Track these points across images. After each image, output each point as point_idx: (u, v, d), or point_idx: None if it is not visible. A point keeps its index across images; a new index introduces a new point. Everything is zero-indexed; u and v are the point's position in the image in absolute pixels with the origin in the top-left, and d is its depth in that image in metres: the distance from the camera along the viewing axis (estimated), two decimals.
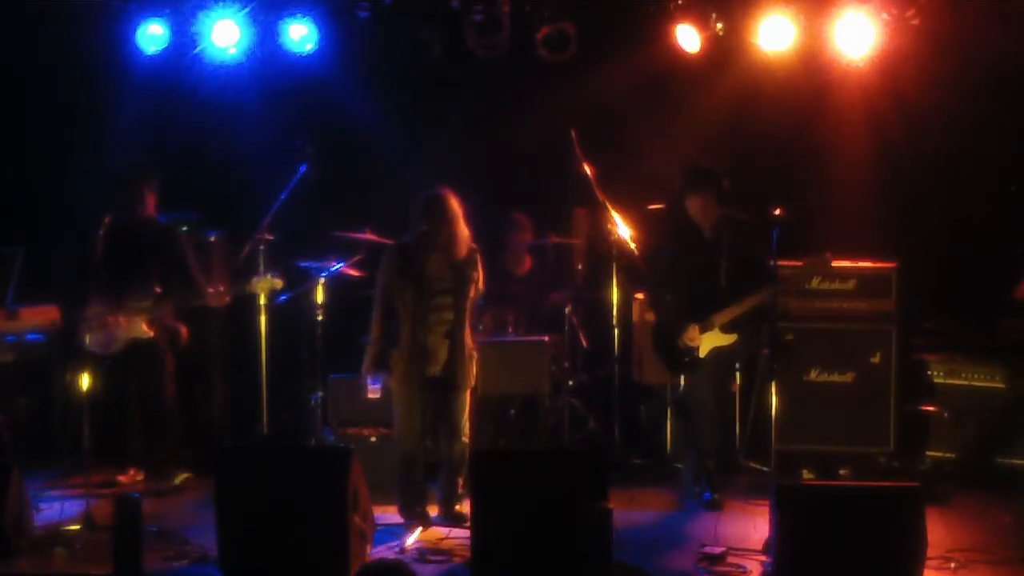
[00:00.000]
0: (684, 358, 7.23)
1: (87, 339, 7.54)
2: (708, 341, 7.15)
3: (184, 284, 7.55)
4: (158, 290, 7.51)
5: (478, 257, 6.86)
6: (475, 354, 6.92)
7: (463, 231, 6.76)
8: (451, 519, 6.78)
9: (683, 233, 7.30)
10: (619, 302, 8.05)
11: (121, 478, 7.66)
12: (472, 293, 6.83)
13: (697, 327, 7.13)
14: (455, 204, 6.72)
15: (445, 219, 6.67)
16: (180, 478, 7.58)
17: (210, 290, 7.50)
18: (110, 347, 7.53)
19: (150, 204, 7.70)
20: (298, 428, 8.21)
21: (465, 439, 6.87)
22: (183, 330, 7.76)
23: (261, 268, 7.76)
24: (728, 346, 7.16)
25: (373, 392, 6.85)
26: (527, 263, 8.63)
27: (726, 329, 7.12)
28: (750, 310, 7.04)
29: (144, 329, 7.51)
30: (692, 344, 7.16)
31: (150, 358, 7.61)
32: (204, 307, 7.65)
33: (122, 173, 7.75)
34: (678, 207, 7.35)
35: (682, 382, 7.48)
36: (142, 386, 7.68)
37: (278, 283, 7.59)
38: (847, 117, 8.39)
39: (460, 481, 6.87)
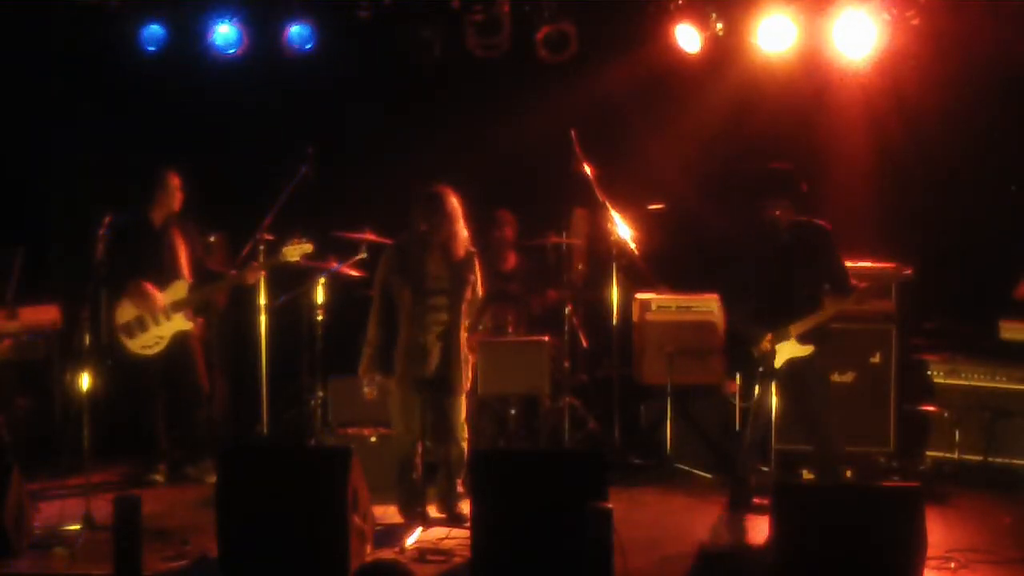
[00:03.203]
0: (758, 367, 6.96)
1: (127, 343, 7.64)
2: (784, 351, 6.92)
3: (209, 274, 7.82)
4: (190, 281, 7.72)
5: (476, 260, 6.86)
6: (471, 357, 6.92)
7: (462, 231, 6.75)
8: (451, 519, 6.78)
9: (758, 238, 7.03)
10: (619, 302, 8.05)
11: (156, 477, 7.75)
12: (469, 296, 6.83)
13: (771, 336, 6.91)
14: (455, 202, 6.72)
15: (444, 217, 6.66)
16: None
17: (233, 272, 7.74)
18: (155, 347, 7.66)
19: (179, 200, 7.80)
20: (298, 428, 8.21)
21: (463, 442, 6.87)
22: (200, 321, 7.97)
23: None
24: (804, 357, 6.91)
25: (370, 391, 6.85)
26: (512, 260, 8.62)
27: (803, 339, 6.89)
28: (828, 320, 6.85)
29: (185, 322, 7.68)
30: (767, 353, 6.92)
31: (191, 353, 7.79)
32: (241, 287, 7.89)
33: (152, 170, 7.80)
34: (752, 209, 7.07)
35: (756, 392, 7.06)
36: (181, 381, 7.79)
37: (308, 246, 7.62)
38: (847, 117, 8.39)
39: (459, 482, 6.87)
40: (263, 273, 7.78)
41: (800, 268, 6.88)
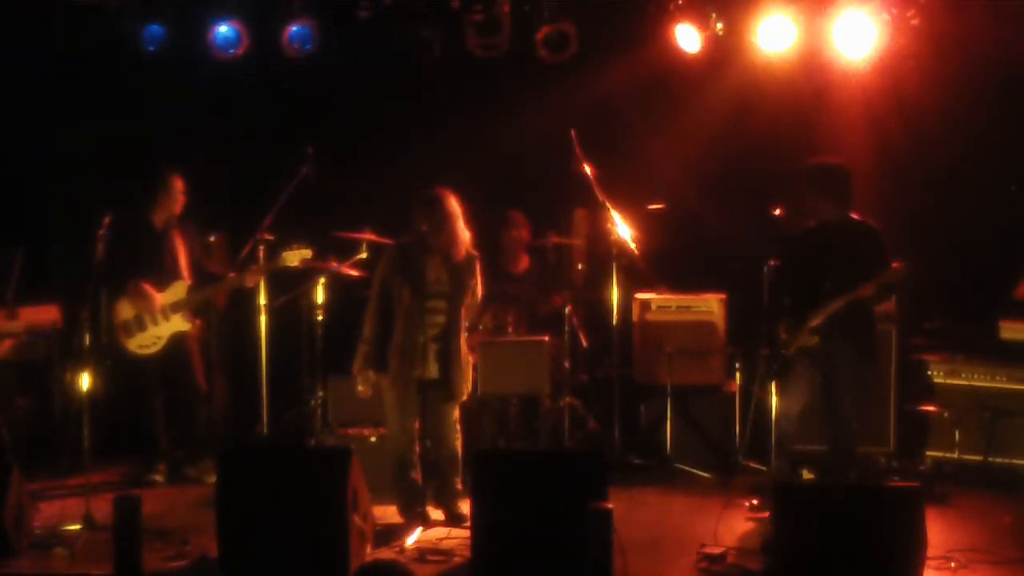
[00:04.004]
0: (776, 358, 6.88)
1: (126, 343, 7.67)
2: (797, 340, 6.81)
3: (208, 276, 7.85)
4: (190, 283, 7.76)
5: (477, 264, 6.86)
6: (471, 360, 6.92)
7: (463, 233, 6.75)
8: (450, 519, 6.78)
9: (802, 235, 6.94)
10: (619, 302, 8.05)
11: (156, 477, 7.77)
12: (468, 300, 6.83)
13: (785, 324, 6.84)
14: (455, 205, 6.72)
15: (445, 220, 6.67)
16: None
17: (232, 275, 7.73)
18: (153, 347, 7.68)
19: (182, 203, 7.81)
20: (298, 428, 8.22)
21: (454, 443, 6.88)
22: (198, 322, 7.98)
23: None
24: (811, 347, 6.79)
25: (364, 390, 6.84)
26: (524, 262, 8.62)
27: (813, 331, 6.75)
28: (839, 311, 6.65)
29: (183, 323, 7.71)
30: (781, 339, 6.85)
31: (189, 353, 7.82)
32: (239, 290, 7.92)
33: (153, 169, 7.82)
34: (798, 207, 6.96)
35: (774, 389, 6.96)
36: (179, 382, 7.81)
37: (307, 252, 7.65)
38: (847, 117, 8.39)
39: (456, 480, 6.87)
40: (262, 277, 7.79)
41: (837, 266, 6.71)
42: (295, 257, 7.62)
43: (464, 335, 6.85)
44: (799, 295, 6.88)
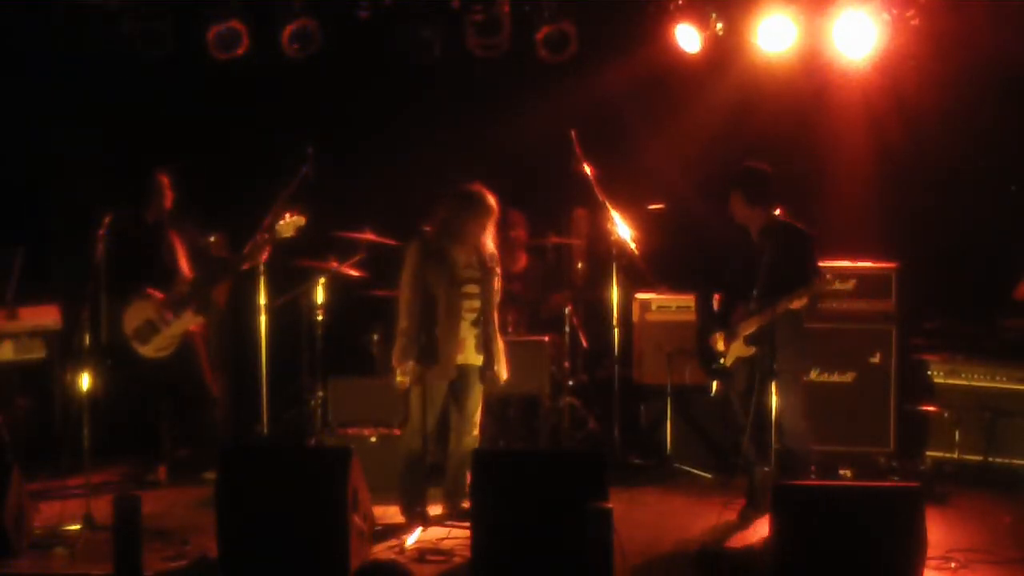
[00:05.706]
0: (713, 363, 6.95)
1: (139, 348, 7.68)
2: (733, 351, 6.83)
3: (214, 262, 7.84)
4: (191, 277, 7.74)
5: (498, 257, 6.88)
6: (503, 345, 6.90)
7: (491, 230, 6.78)
8: (459, 515, 6.73)
9: (738, 235, 6.92)
10: (619, 302, 8.05)
11: (156, 477, 7.79)
12: (497, 286, 6.83)
13: (722, 334, 6.87)
14: (492, 203, 6.72)
15: (481, 215, 6.68)
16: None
17: (246, 251, 7.65)
18: (170, 348, 7.69)
19: (170, 199, 7.83)
20: (298, 428, 8.22)
21: (476, 433, 6.87)
22: (201, 320, 7.93)
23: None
24: (749, 358, 6.76)
25: (403, 381, 6.78)
26: (522, 261, 8.63)
27: (748, 340, 6.72)
28: (772, 320, 6.52)
29: (194, 318, 7.71)
30: (717, 350, 6.90)
31: (195, 354, 7.81)
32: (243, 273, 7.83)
33: (151, 170, 7.83)
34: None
35: (713, 388, 7.06)
36: (186, 380, 7.81)
37: (301, 219, 7.57)
38: (847, 117, 8.40)
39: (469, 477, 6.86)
40: (268, 249, 7.64)
41: (766, 269, 6.63)
42: (290, 227, 7.52)
43: (497, 318, 6.85)
44: (729, 298, 6.88)
